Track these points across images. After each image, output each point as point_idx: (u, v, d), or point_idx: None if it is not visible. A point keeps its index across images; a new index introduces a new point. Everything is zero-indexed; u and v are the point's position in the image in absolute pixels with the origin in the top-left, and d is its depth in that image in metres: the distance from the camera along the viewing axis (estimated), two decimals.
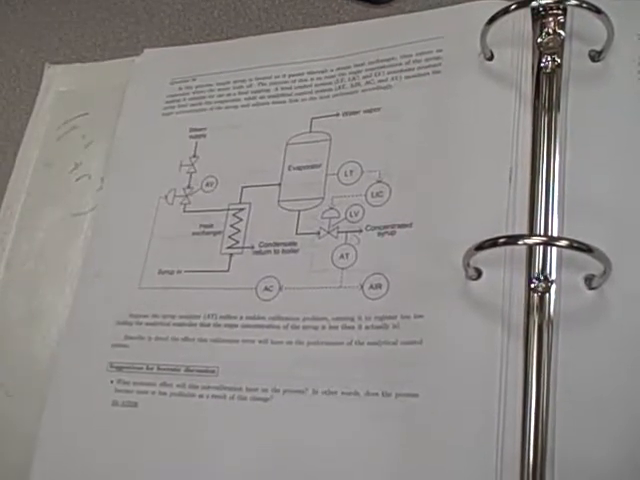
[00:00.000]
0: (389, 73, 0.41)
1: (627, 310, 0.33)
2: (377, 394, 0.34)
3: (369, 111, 0.41)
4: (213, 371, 0.38)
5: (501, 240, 0.32)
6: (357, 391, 0.35)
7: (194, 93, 0.46)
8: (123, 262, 0.42)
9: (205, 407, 0.37)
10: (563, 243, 0.32)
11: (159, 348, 0.40)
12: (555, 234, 0.35)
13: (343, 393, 0.35)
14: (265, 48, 0.46)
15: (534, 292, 0.34)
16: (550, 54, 0.38)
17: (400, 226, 0.37)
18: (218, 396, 0.37)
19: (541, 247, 0.34)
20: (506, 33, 0.39)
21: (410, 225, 0.37)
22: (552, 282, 0.34)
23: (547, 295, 0.34)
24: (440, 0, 0.45)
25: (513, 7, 0.37)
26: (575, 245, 0.32)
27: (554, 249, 0.34)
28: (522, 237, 0.33)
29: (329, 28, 0.45)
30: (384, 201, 0.38)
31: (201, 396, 0.38)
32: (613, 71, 0.37)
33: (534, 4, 0.37)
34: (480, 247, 0.33)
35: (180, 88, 0.46)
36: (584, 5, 0.36)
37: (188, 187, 0.43)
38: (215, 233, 0.41)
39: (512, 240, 0.32)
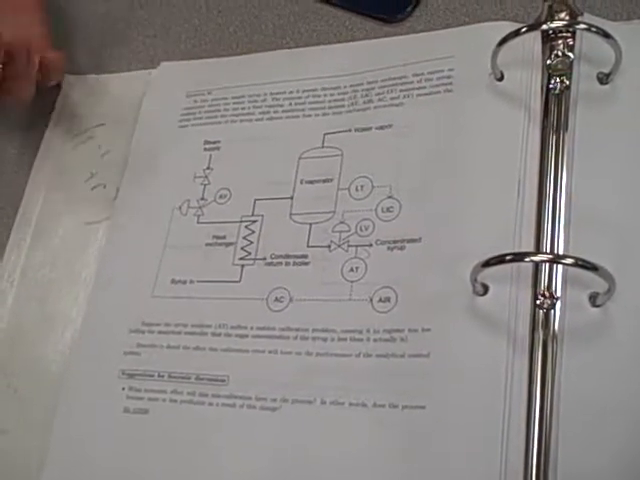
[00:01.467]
0: (401, 91, 0.42)
1: (630, 328, 0.33)
2: (384, 405, 0.35)
3: (381, 128, 0.41)
4: (223, 380, 0.39)
5: (508, 257, 0.33)
6: (365, 402, 0.35)
7: (209, 106, 0.47)
8: (136, 271, 0.43)
9: (215, 415, 0.38)
10: (569, 261, 0.33)
11: (170, 356, 0.40)
12: (561, 251, 0.35)
13: (351, 404, 0.36)
14: (279, 64, 0.47)
15: (539, 308, 0.35)
16: (559, 76, 0.39)
17: (409, 241, 0.38)
18: (228, 404, 0.38)
19: (547, 264, 0.35)
20: (516, 54, 0.40)
21: (419, 240, 0.38)
22: (557, 299, 0.35)
23: (552, 312, 0.35)
24: (451, 20, 0.46)
25: (524, 30, 0.38)
26: (580, 263, 0.32)
27: (560, 266, 0.35)
28: (528, 254, 0.34)
29: (342, 45, 0.46)
30: (394, 216, 0.39)
31: (211, 404, 0.39)
32: (621, 93, 0.38)
33: (544, 28, 0.38)
34: (487, 264, 0.33)
35: (196, 101, 0.47)
36: (593, 29, 0.37)
37: (202, 198, 0.44)
38: (227, 244, 0.42)
39: (518, 257, 0.33)
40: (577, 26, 0.38)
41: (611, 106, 0.38)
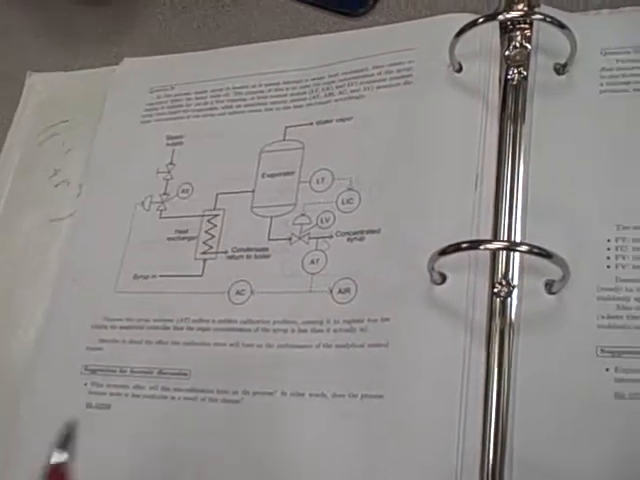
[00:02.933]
0: (361, 83, 0.42)
1: (583, 314, 0.33)
2: (344, 395, 0.35)
3: (342, 120, 0.42)
4: (185, 374, 0.39)
5: (464, 245, 0.33)
6: (325, 393, 0.36)
7: (172, 101, 0.47)
8: (99, 267, 0.43)
9: (177, 409, 0.38)
10: (523, 248, 0.33)
11: (133, 351, 0.40)
12: (518, 240, 0.36)
13: (311, 395, 0.36)
14: (242, 58, 0.47)
15: (496, 296, 0.35)
16: (517, 67, 0.40)
17: (369, 232, 0.38)
18: (189, 398, 0.38)
19: (504, 252, 0.35)
20: (475, 46, 0.40)
21: (378, 231, 0.38)
22: (514, 287, 0.35)
23: (509, 299, 0.35)
24: (413, 13, 0.46)
25: (481, 20, 0.38)
26: (535, 250, 0.33)
27: (517, 254, 0.35)
28: (484, 242, 0.34)
29: (305, 39, 0.46)
30: (354, 208, 0.39)
31: (173, 398, 0.38)
32: (576, 84, 0.38)
33: (501, 18, 0.38)
34: (444, 252, 0.34)
35: (159, 96, 0.47)
36: (548, 20, 0.37)
37: (164, 193, 0.44)
38: (190, 238, 0.42)
39: (474, 245, 0.33)
40: (533, 16, 0.38)
41: (567, 96, 0.38)
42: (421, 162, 0.39)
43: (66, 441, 0.32)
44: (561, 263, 0.33)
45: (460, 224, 0.36)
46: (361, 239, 0.38)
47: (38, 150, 0.50)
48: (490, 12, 0.40)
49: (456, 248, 0.33)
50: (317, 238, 0.39)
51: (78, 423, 0.33)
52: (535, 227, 0.36)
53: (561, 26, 0.37)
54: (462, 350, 0.34)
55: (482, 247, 0.33)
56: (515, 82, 0.39)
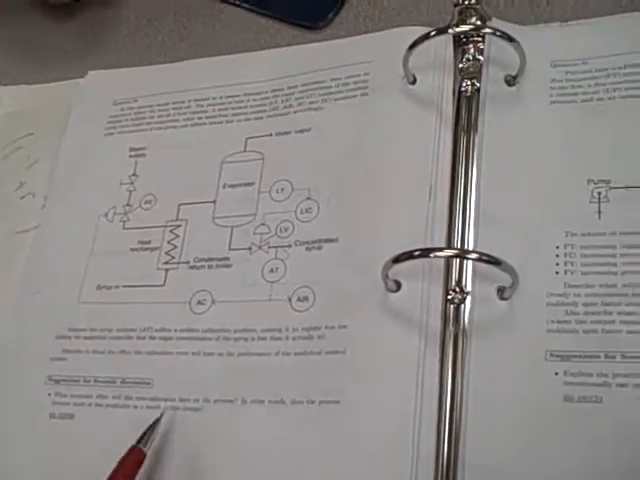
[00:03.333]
0: (320, 95, 0.43)
1: (533, 320, 0.34)
2: (302, 402, 0.36)
3: (300, 131, 0.42)
4: (148, 383, 0.39)
5: (416, 253, 0.34)
6: (284, 400, 0.36)
7: (135, 114, 0.47)
8: (63, 278, 0.43)
9: (139, 418, 0.38)
10: (473, 256, 0.34)
11: (96, 361, 0.41)
12: (470, 247, 0.36)
13: (270, 402, 0.36)
14: (204, 71, 0.47)
15: (450, 303, 0.36)
16: (470, 78, 0.41)
17: (326, 241, 0.39)
18: (152, 407, 0.39)
19: (457, 260, 0.36)
20: (429, 58, 0.41)
21: (336, 240, 0.39)
22: (467, 293, 0.36)
23: (462, 306, 0.36)
24: (371, 27, 0.47)
25: (433, 34, 0.39)
26: (484, 258, 0.33)
27: (470, 262, 0.36)
28: (436, 250, 0.35)
29: (265, 52, 0.47)
30: (312, 217, 0.40)
31: (135, 407, 0.39)
32: (526, 95, 0.39)
33: (451, 32, 0.39)
34: (397, 260, 0.34)
35: (122, 109, 0.48)
36: (498, 34, 0.38)
37: (127, 205, 0.44)
38: (152, 249, 0.42)
39: (426, 253, 0.34)
40: (483, 30, 0.39)
41: (518, 107, 0.39)
42: (377, 172, 0.39)
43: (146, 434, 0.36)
44: (510, 270, 0.34)
45: (414, 233, 0.37)
46: (319, 248, 0.39)
47: (3, 163, 0.50)
48: (443, 25, 0.41)
49: (408, 256, 0.34)
50: (276, 247, 0.40)
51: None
52: (487, 235, 0.37)
53: (510, 39, 0.38)
54: (416, 356, 0.35)
55: (433, 255, 0.34)
56: (468, 94, 0.40)
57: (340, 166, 0.41)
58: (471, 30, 0.40)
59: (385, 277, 0.35)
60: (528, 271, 0.35)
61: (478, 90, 0.40)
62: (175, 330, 0.40)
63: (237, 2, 0.51)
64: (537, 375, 0.33)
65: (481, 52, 0.41)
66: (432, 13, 0.46)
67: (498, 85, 0.40)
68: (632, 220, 0.35)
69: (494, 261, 0.33)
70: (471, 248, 0.37)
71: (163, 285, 0.41)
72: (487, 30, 0.39)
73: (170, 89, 0.47)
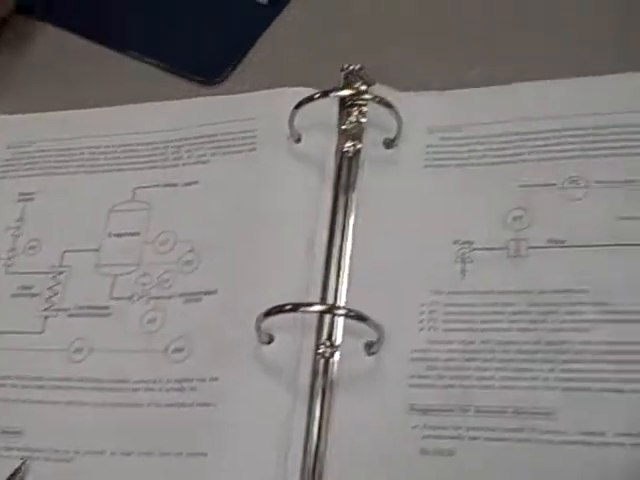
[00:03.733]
0: (209, 149, 0.44)
1: (397, 374, 0.36)
2: (169, 454, 0.36)
3: (188, 184, 0.43)
4: (20, 432, 0.39)
5: (286, 307, 0.35)
6: (152, 451, 0.36)
7: (28, 158, 0.48)
8: None
9: (8, 467, 0.38)
10: (341, 312, 0.35)
11: None
12: (341, 303, 0.38)
13: (140, 454, 0.36)
14: (99, 119, 0.48)
15: (321, 357, 0.37)
16: (352, 139, 0.42)
17: (206, 293, 0.40)
18: (22, 457, 0.38)
19: (328, 315, 0.37)
20: (315, 119, 0.43)
21: (215, 292, 0.39)
22: (337, 347, 0.37)
23: (332, 360, 0.37)
24: (267, 84, 0.48)
25: (317, 96, 0.41)
26: (351, 314, 0.35)
27: (341, 317, 0.37)
28: (304, 305, 0.36)
29: (159, 103, 0.48)
30: (194, 269, 0.40)
31: (8, 457, 0.38)
32: (403, 158, 0.41)
33: (333, 95, 0.41)
34: (268, 313, 0.35)
35: (15, 153, 0.48)
36: (377, 100, 0.40)
37: (12, 250, 0.44)
38: (33, 295, 0.42)
39: (295, 307, 0.35)
40: (363, 96, 0.41)
41: (394, 169, 0.41)
42: (259, 227, 0.41)
43: None
44: (376, 327, 0.35)
45: (291, 287, 0.38)
46: (198, 300, 0.39)
47: None
48: (330, 88, 0.43)
49: (279, 310, 0.35)
50: (157, 298, 0.40)
51: None
52: (359, 291, 0.38)
53: (388, 106, 0.40)
54: (285, 408, 0.36)
55: (301, 309, 0.35)
56: (350, 154, 0.42)
57: (224, 220, 0.42)
58: (352, 95, 0.42)
59: (258, 330, 0.36)
60: (394, 327, 0.36)
61: (359, 151, 0.42)
62: (51, 379, 0.40)
63: (136, 54, 0.52)
64: (397, 429, 0.35)
65: (364, 115, 0.43)
66: (326, 75, 0.48)
67: (377, 147, 0.42)
68: (492, 280, 0.37)
69: (361, 317, 0.35)
70: (343, 304, 0.38)
71: (42, 332, 0.41)
72: (367, 96, 0.41)
73: (64, 136, 0.48)
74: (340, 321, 0.37)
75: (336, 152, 0.42)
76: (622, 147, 0.39)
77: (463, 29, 0.46)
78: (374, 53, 0.46)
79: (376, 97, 0.40)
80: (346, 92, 0.41)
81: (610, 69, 0.41)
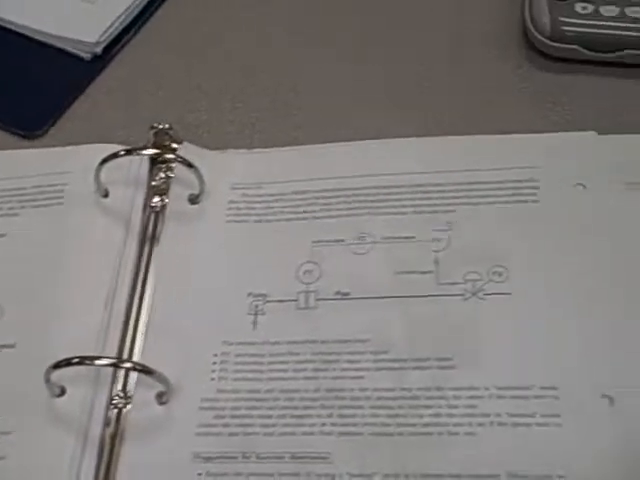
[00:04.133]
0: (18, 202, 0.44)
1: (186, 423, 0.37)
2: None
3: None
4: None
5: (74, 360, 0.36)
6: None
7: None
8: None
9: None
10: (127, 365, 0.37)
11: None
12: (137, 356, 0.39)
13: None
14: None
15: (114, 408, 0.38)
16: (160, 195, 0.44)
17: (5, 346, 0.40)
18: None
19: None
20: (123, 174, 0.44)
21: (14, 345, 0.40)
22: (130, 398, 0.38)
23: (124, 410, 0.37)
24: (85, 139, 0.49)
25: (122, 153, 0.42)
26: (138, 368, 0.36)
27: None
28: (92, 358, 0.37)
29: None
30: None
31: None
32: (206, 213, 0.43)
33: (136, 153, 0.43)
34: (57, 365, 0.36)
35: None
36: (179, 159, 0.42)
37: None
38: None
39: (82, 360, 0.36)
40: (165, 155, 0.43)
41: (197, 223, 0.43)
42: (61, 280, 0.41)
43: None
44: (162, 379, 0.36)
45: (88, 340, 0.39)
46: None
47: None
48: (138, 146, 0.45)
49: (67, 363, 0.36)
50: None
51: None
52: (153, 345, 0.39)
53: (189, 165, 0.42)
54: (75, 459, 0.36)
55: (87, 363, 0.36)
56: (157, 209, 0.44)
57: (29, 273, 0.42)
58: (156, 154, 0.43)
59: (48, 382, 0.37)
60: (187, 378, 0.38)
61: (166, 206, 0.43)
62: None
63: None
64: (183, 477, 0.36)
65: (172, 171, 0.44)
66: (142, 132, 0.49)
67: (182, 203, 0.43)
68: (281, 330, 0.39)
69: (146, 370, 0.36)
70: (137, 357, 0.39)
71: None
72: (170, 156, 0.43)
73: None
74: (134, 373, 0.38)
75: (144, 207, 0.44)
76: (403, 206, 0.42)
77: (280, 90, 0.49)
78: (193, 112, 0.49)
79: (178, 157, 0.42)
80: (150, 151, 0.43)
81: (395, 133, 0.45)
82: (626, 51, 0.44)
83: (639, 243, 0.39)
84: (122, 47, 0.53)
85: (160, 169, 0.45)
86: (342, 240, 0.41)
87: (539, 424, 0.35)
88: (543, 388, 0.36)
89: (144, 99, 0.50)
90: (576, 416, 0.35)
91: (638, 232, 0.39)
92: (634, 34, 0.44)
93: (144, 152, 0.43)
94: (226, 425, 0.37)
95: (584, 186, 0.41)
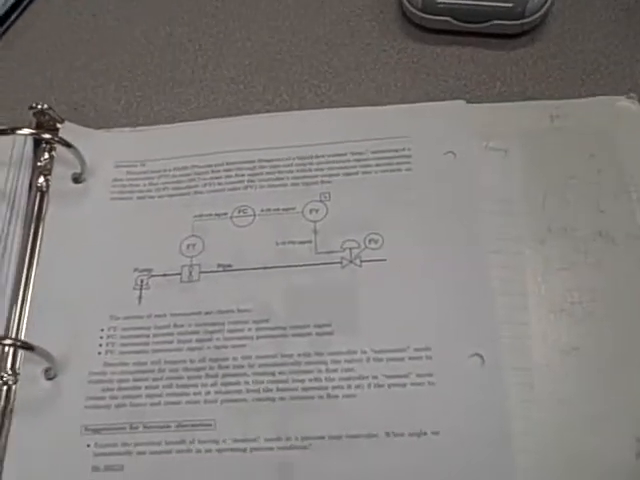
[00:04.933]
0: None
1: (75, 397, 0.38)
2: None
3: None
4: None
5: None
6: None
7: None
8: None
9: None
10: (8, 342, 0.38)
11: None
12: (23, 333, 0.39)
13: None
14: None
15: (3, 385, 0.38)
16: (45, 174, 0.44)
17: None
18: None
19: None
20: (7, 155, 0.44)
21: None
22: (19, 374, 0.39)
23: (14, 387, 0.38)
24: None
25: None
26: (18, 344, 0.37)
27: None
28: None
29: None
30: None
31: None
32: (90, 192, 0.44)
33: (10, 133, 0.43)
34: None
35: None
36: (55, 139, 0.43)
37: None
38: None
39: None
40: (42, 135, 0.43)
41: (81, 201, 0.43)
42: None
43: None
44: (44, 354, 0.37)
45: None
46: None
47: None
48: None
49: None
50: None
51: None
52: (41, 322, 0.40)
53: (67, 145, 0.43)
54: None
55: None
56: (43, 189, 0.44)
57: None
58: (33, 134, 0.43)
59: None
60: (74, 353, 0.39)
61: (50, 185, 0.44)
62: None
63: None
64: (72, 449, 0.37)
65: (54, 151, 0.45)
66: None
67: (66, 182, 0.44)
68: (165, 304, 0.40)
69: (28, 346, 0.37)
70: (24, 334, 0.39)
71: None
72: (47, 136, 0.43)
73: None
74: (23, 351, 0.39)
75: (29, 187, 0.44)
76: (282, 178, 0.43)
77: (164, 68, 0.49)
78: (79, 91, 0.49)
79: (54, 136, 0.43)
80: (26, 131, 0.43)
81: (275, 108, 0.46)
82: (494, 21, 0.46)
83: (502, 210, 0.41)
84: (6, 30, 0.52)
85: (44, 149, 0.45)
86: (224, 214, 0.42)
87: (414, 384, 0.37)
88: (417, 350, 0.38)
89: (30, 80, 0.50)
90: (448, 374, 0.37)
91: (499, 197, 0.41)
92: (501, 4, 0.45)
93: (19, 132, 0.43)
94: (114, 397, 0.38)
95: (454, 153, 0.43)
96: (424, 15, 0.47)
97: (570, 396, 0.36)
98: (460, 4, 0.46)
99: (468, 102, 0.44)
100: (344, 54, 0.48)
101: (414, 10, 0.47)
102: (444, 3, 0.46)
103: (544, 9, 0.46)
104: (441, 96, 0.45)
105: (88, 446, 0.37)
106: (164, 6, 0.52)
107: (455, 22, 0.47)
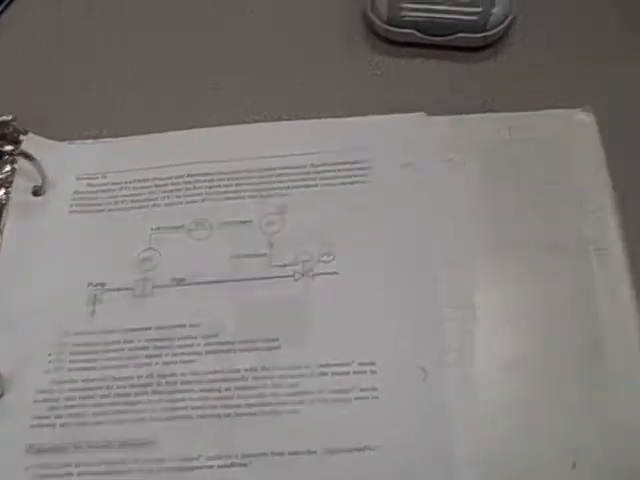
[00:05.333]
0: None
1: (20, 416, 0.38)
2: None
3: None
4: None
5: None
6: None
7: None
8: None
9: None
10: None
11: None
12: None
13: None
14: None
15: None
16: (6, 187, 0.44)
17: None
18: None
19: None
20: None
21: None
22: None
23: None
24: None
25: None
26: None
27: None
28: None
29: None
30: None
31: None
32: (50, 205, 0.43)
33: None
34: None
35: None
36: (16, 152, 0.43)
37: None
38: None
39: None
40: (4, 147, 0.43)
41: (41, 215, 0.43)
42: None
43: None
44: None
45: None
46: None
47: None
48: None
49: None
50: None
51: None
52: None
53: (29, 157, 0.42)
54: None
55: None
56: (2, 201, 0.44)
57: None
58: None
59: None
60: (22, 371, 0.38)
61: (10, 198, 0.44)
62: None
63: None
64: (14, 470, 0.36)
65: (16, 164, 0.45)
66: None
67: (26, 195, 0.44)
68: (117, 319, 0.40)
69: None
70: None
71: None
72: (7, 147, 0.43)
73: None
74: None
75: None
76: (240, 191, 0.43)
77: (128, 79, 0.49)
78: (43, 103, 0.48)
79: (16, 149, 0.43)
80: None
81: (239, 120, 0.45)
82: (459, 34, 0.45)
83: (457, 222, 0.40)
84: None
85: (6, 161, 0.45)
86: (181, 226, 0.42)
87: (357, 398, 0.36)
88: (361, 364, 0.37)
89: None
90: (392, 388, 0.36)
91: (458, 211, 0.41)
92: (465, 17, 0.45)
93: None
94: (59, 416, 0.38)
95: (412, 165, 0.42)
96: (389, 28, 0.47)
97: (511, 407, 0.36)
98: (425, 17, 0.45)
99: (429, 114, 0.43)
100: (308, 65, 0.48)
101: (379, 23, 0.47)
102: (409, 16, 0.46)
103: (506, 22, 0.45)
104: (403, 108, 0.44)
105: (28, 468, 0.36)
106: (126, 20, 0.52)
107: (420, 35, 0.46)
